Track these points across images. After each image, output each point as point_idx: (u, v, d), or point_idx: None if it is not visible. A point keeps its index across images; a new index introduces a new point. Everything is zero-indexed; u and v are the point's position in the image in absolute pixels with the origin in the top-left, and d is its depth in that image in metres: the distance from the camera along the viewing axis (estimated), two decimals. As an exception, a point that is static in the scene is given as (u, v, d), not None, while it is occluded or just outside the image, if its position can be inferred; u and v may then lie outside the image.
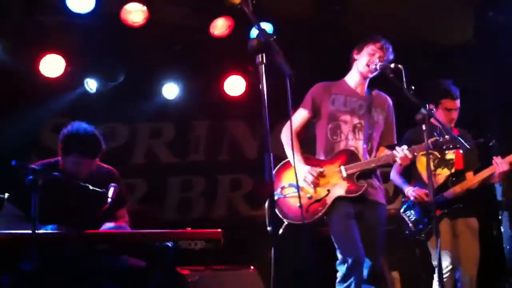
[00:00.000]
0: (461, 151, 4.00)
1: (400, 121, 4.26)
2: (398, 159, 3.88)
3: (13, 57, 5.52)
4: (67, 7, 5.19)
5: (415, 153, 3.88)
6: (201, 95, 6.43)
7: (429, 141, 3.78)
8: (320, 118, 4.11)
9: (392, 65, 3.84)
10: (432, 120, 3.98)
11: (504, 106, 5.88)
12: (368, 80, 4.12)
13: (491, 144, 4.72)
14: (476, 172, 4.54)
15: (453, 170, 4.59)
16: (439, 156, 4.58)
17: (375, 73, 4.06)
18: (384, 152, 4.05)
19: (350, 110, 4.05)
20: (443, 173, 4.60)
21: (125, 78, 6.01)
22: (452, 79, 4.69)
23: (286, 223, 3.94)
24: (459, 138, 3.87)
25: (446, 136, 3.87)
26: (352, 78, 4.15)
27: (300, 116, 4.12)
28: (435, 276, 4.45)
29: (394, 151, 3.91)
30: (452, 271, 4.46)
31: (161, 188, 6.64)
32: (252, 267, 4.42)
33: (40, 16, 5.44)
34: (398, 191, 6.55)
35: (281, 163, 4.13)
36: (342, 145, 4.00)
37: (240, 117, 6.79)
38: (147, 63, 6.02)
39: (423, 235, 4.56)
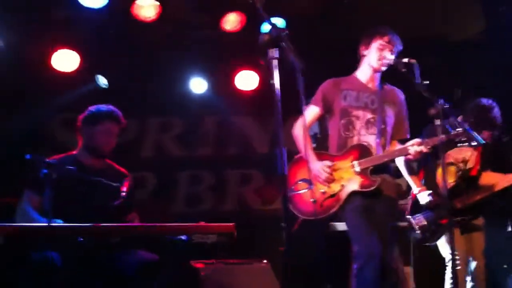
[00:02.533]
0: (474, 143, 3.94)
1: (412, 115, 4.25)
2: (411, 153, 3.88)
3: (25, 51, 5.56)
4: (79, 2, 5.22)
5: (428, 147, 3.87)
6: (211, 90, 6.45)
7: (443, 136, 3.77)
8: (333, 114, 4.11)
9: (406, 60, 3.83)
10: None
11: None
12: (379, 74, 4.11)
13: (504, 139, 4.70)
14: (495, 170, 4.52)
15: (465, 177, 4.55)
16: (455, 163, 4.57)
17: (386, 68, 4.06)
18: (397, 146, 4.05)
19: (362, 105, 4.04)
20: (457, 180, 4.57)
21: (136, 73, 6.03)
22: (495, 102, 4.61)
23: (300, 219, 3.96)
24: (473, 132, 3.84)
25: (459, 129, 3.84)
26: (363, 73, 4.14)
27: (311, 113, 4.12)
28: (447, 269, 4.49)
29: (407, 145, 3.91)
30: (463, 264, 4.46)
31: (170, 182, 6.66)
32: (265, 261, 4.43)
33: (53, 11, 5.46)
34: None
35: (293, 160, 4.14)
36: (355, 140, 4.00)
37: (251, 112, 6.78)
38: (158, 57, 6.03)
39: (428, 243, 4.55)
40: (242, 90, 6.37)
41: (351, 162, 3.96)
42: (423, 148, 3.84)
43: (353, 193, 3.91)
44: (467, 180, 4.53)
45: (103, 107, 4.01)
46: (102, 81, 5.96)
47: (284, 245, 2.87)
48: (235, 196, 6.78)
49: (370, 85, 4.11)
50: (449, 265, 4.49)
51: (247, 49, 5.81)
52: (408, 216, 4.54)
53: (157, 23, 5.47)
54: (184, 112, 6.66)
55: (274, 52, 3.09)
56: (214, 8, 5.61)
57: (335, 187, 3.94)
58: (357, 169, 3.93)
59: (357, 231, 3.85)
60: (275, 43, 3.03)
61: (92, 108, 4.02)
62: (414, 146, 3.86)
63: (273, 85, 3.06)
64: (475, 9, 5.99)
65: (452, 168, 4.56)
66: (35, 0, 5.36)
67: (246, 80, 6.34)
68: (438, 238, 4.48)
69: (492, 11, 5.92)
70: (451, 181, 4.49)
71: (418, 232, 4.45)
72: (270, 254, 4.41)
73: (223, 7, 5.59)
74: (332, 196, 3.92)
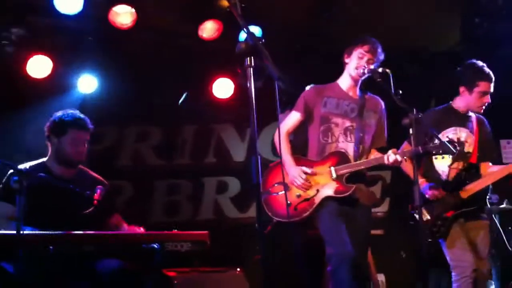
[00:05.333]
0: (449, 157, 4.01)
1: (388, 126, 4.29)
2: (387, 162, 3.93)
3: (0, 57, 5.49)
4: (55, 9, 5.17)
5: (405, 157, 3.94)
6: (189, 98, 6.43)
7: (419, 147, 3.82)
8: (313, 121, 4.15)
9: (380, 70, 3.88)
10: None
11: (490, 111, 5.93)
12: (359, 82, 4.16)
13: None
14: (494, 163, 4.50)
15: (465, 164, 4.48)
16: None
17: (364, 77, 4.10)
18: (375, 154, 4.11)
19: (342, 113, 4.10)
20: (458, 167, 4.48)
21: (112, 81, 6.00)
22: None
23: (274, 221, 4.01)
24: (447, 143, 3.90)
25: (436, 141, 3.91)
26: (344, 81, 4.20)
27: (292, 118, 4.18)
28: (454, 277, 4.38)
29: (384, 155, 3.96)
30: (473, 271, 4.34)
31: (147, 191, 6.62)
32: (238, 269, 4.43)
33: (28, 17, 5.40)
34: (386, 193, 6.57)
35: (274, 163, 4.19)
36: (333, 147, 4.06)
37: (228, 120, 6.81)
38: (135, 65, 6.00)
39: (436, 235, 4.42)
40: (219, 98, 6.36)
41: (329, 168, 3.99)
42: (398, 158, 3.90)
43: (327, 198, 3.97)
44: (467, 168, 4.47)
45: (67, 115, 3.87)
46: (85, 86, 5.91)
47: (260, 253, 2.86)
48: (212, 205, 6.74)
49: (351, 93, 4.16)
50: (455, 273, 4.37)
51: (224, 57, 5.84)
52: (412, 212, 4.46)
53: (134, 30, 5.44)
54: (161, 120, 6.63)
55: (251, 61, 3.10)
56: (191, 15, 5.60)
57: (310, 192, 3.98)
58: (334, 175, 3.97)
59: (329, 233, 3.89)
60: (252, 52, 3.04)
61: (56, 117, 3.88)
62: (391, 155, 3.91)
63: (249, 93, 3.06)
64: (452, 21, 6.08)
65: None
66: (9, 6, 5.28)
67: (223, 88, 6.34)
68: (445, 232, 4.38)
69: (469, 23, 6.02)
70: (448, 162, 4.47)
71: (424, 227, 4.35)
72: (246, 262, 4.41)
73: (200, 15, 5.58)
74: (307, 200, 3.96)
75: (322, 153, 4.07)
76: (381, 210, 6.48)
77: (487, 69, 4.49)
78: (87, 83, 5.96)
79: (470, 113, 4.59)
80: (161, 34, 5.87)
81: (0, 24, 5.36)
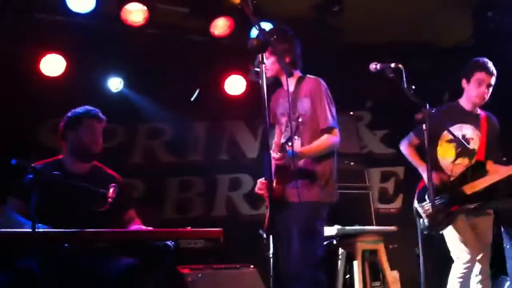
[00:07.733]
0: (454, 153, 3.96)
1: (400, 121, 4.26)
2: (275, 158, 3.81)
3: (13, 56, 5.53)
4: (67, 7, 5.20)
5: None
6: (201, 95, 6.44)
7: None
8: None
9: (393, 65, 3.84)
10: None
11: (502, 106, 5.88)
12: (290, 77, 3.94)
13: None
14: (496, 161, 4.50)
15: (473, 161, 4.50)
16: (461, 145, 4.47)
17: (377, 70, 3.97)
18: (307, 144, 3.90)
19: (283, 110, 4.10)
20: (463, 163, 4.49)
21: (124, 78, 6.03)
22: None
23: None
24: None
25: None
26: (283, 81, 4.09)
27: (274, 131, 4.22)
28: (453, 269, 4.41)
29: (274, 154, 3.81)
30: (471, 265, 4.37)
31: (160, 188, 6.64)
32: (252, 266, 4.43)
33: (40, 15, 5.44)
34: (399, 190, 6.53)
35: None
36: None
37: (240, 117, 6.81)
38: (147, 63, 6.02)
39: (438, 228, 4.42)
40: (231, 95, 6.37)
41: None
42: (277, 156, 3.74)
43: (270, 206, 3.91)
44: (473, 165, 4.48)
45: (80, 108, 3.98)
46: (114, 85, 5.93)
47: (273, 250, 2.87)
48: (224, 202, 6.76)
49: (287, 88, 3.91)
50: (457, 263, 4.39)
51: (236, 53, 5.85)
52: (415, 205, 4.52)
53: (146, 28, 5.46)
54: (173, 117, 6.65)
55: (263, 57, 3.09)
56: (203, 13, 5.61)
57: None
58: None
59: None
60: (264, 48, 3.03)
61: (69, 113, 3.97)
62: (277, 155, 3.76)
63: (261, 89, 3.06)
64: (463, 14, 6.04)
65: (451, 145, 4.53)
66: (22, 5, 5.32)
67: (235, 85, 6.34)
68: (446, 226, 4.41)
69: (480, 16, 5.98)
70: (451, 158, 4.50)
71: (426, 220, 4.38)
72: (259, 259, 4.40)
73: (211, 12, 5.59)
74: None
75: None
76: (394, 206, 6.45)
77: (487, 62, 4.56)
78: (113, 83, 5.99)
79: (478, 111, 4.61)
80: (173, 31, 5.89)
81: (12, 21, 5.39)
